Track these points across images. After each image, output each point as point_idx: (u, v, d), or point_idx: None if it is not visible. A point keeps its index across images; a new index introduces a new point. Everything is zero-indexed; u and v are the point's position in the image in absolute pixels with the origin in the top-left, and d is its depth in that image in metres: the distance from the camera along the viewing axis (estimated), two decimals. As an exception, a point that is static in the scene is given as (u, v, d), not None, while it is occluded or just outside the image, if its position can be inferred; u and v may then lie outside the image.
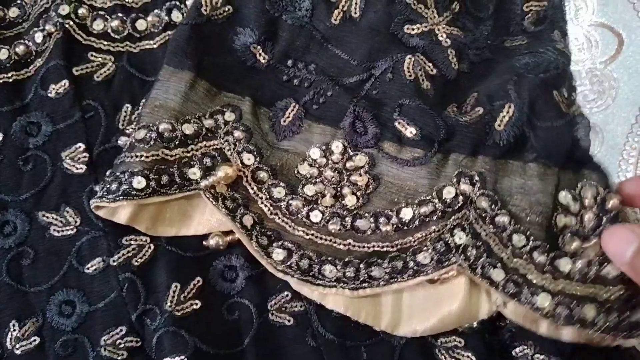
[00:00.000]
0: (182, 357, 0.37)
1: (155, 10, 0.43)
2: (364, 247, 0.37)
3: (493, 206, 0.36)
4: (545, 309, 0.34)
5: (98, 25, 0.43)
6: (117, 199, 0.36)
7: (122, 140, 0.40)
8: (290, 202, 0.37)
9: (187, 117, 0.38)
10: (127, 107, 0.41)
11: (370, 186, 0.38)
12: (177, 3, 0.43)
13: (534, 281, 0.35)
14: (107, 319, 0.38)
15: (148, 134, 0.37)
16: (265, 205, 0.38)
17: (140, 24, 0.43)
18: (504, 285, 0.34)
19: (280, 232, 0.37)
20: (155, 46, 0.43)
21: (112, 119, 0.41)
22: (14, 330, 0.38)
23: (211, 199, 0.36)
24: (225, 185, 0.37)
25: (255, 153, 0.38)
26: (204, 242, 0.38)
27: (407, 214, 0.37)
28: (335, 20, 0.40)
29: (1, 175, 0.40)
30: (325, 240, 0.37)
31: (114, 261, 0.38)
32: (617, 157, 0.43)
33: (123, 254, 0.38)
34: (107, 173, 0.38)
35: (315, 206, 0.38)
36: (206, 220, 0.38)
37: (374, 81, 0.39)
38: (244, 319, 0.38)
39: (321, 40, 0.40)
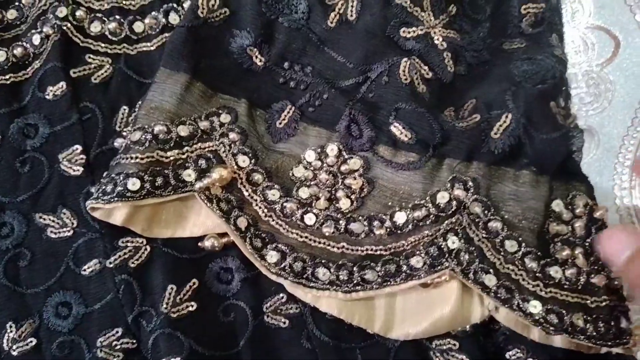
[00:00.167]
0: (178, 358, 0.37)
1: (153, 13, 0.43)
2: (357, 250, 0.37)
3: (486, 212, 0.36)
4: (536, 316, 0.34)
5: (95, 28, 0.43)
6: (112, 200, 0.36)
7: (118, 142, 0.40)
8: (284, 204, 0.38)
9: (182, 119, 0.38)
10: (125, 109, 0.41)
11: (365, 190, 0.38)
12: (175, 5, 0.43)
13: (526, 287, 0.35)
14: (103, 321, 0.38)
15: (143, 136, 0.37)
16: (260, 208, 0.38)
17: (138, 27, 0.43)
18: (495, 291, 0.35)
19: (274, 234, 0.37)
20: (152, 48, 0.43)
21: (110, 121, 0.41)
22: (11, 331, 0.38)
23: (206, 201, 0.36)
24: (220, 187, 0.37)
25: (250, 155, 0.38)
26: (200, 244, 0.39)
27: (400, 218, 0.37)
28: (332, 23, 0.40)
29: (-1, 177, 0.40)
30: (319, 243, 0.37)
31: (110, 263, 0.39)
32: (613, 160, 0.43)
33: (119, 256, 0.39)
34: (104, 175, 0.38)
35: (309, 209, 0.38)
36: (202, 222, 0.38)
37: (370, 84, 0.39)
38: (240, 321, 0.39)
39: (317, 43, 0.40)
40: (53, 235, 0.39)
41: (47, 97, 0.41)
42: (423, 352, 0.38)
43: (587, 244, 0.36)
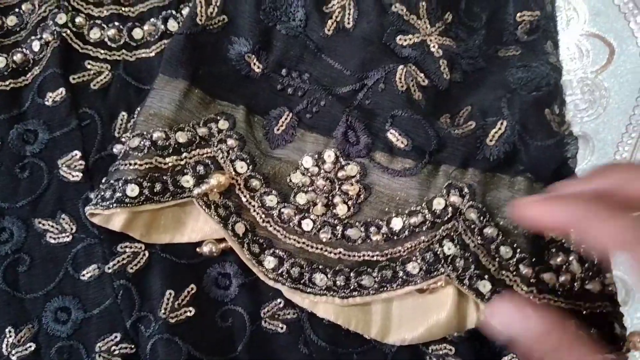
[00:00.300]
0: (176, 363, 0.37)
1: (152, 20, 0.43)
2: (354, 256, 0.37)
3: (482, 218, 0.36)
4: None
5: (95, 34, 0.43)
6: (111, 206, 0.36)
7: (117, 148, 0.40)
8: (282, 210, 0.38)
9: (180, 126, 0.38)
10: (123, 115, 0.42)
11: (362, 195, 0.38)
12: (173, 12, 0.43)
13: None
14: (102, 326, 0.38)
15: (142, 142, 0.37)
16: (257, 214, 0.38)
17: (137, 33, 0.43)
18: (489, 297, 0.35)
19: (272, 240, 0.38)
20: (151, 55, 0.43)
21: (109, 127, 0.42)
22: (10, 336, 0.38)
23: (204, 207, 0.37)
24: (218, 193, 0.37)
25: (248, 161, 0.38)
26: (198, 249, 0.39)
27: (397, 224, 0.37)
28: (329, 30, 0.40)
29: (-2, 182, 0.41)
30: (316, 248, 0.37)
31: (109, 268, 0.39)
32: (608, 166, 0.44)
33: (118, 261, 0.39)
34: (103, 181, 0.38)
35: (306, 215, 0.38)
36: (200, 227, 0.39)
37: (366, 91, 0.40)
38: (237, 326, 0.39)
39: (315, 50, 0.41)
40: (52, 241, 0.40)
41: (46, 103, 0.41)
42: (419, 358, 0.38)
43: (581, 249, 0.36)
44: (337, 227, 0.38)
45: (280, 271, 0.37)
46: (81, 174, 0.40)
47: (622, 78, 0.44)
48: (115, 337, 0.38)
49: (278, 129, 0.40)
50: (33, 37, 0.43)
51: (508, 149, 0.38)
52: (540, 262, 0.36)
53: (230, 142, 0.39)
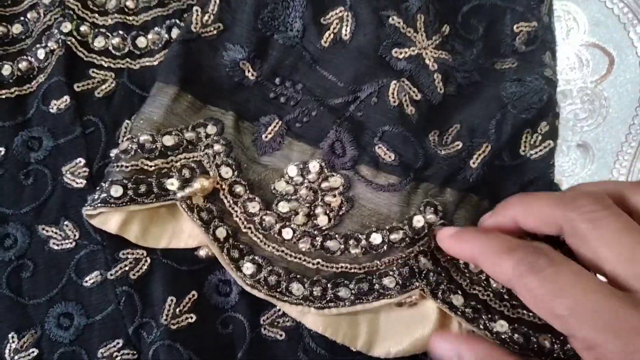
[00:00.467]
0: (177, 369, 0.37)
1: (156, 28, 0.44)
2: (332, 267, 0.37)
3: None
4: (502, 335, 0.35)
5: (99, 43, 0.43)
6: (97, 206, 0.37)
7: (113, 153, 0.41)
8: (264, 217, 0.38)
9: (168, 129, 0.39)
10: (127, 123, 0.42)
11: (343, 208, 0.38)
12: (177, 21, 0.44)
13: (493, 307, 0.36)
14: (104, 332, 0.39)
15: (130, 145, 0.38)
16: (240, 219, 0.38)
17: (141, 42, 0.44)
18: (463, 311, 0.35)
19: (252, 246, 0.38)
20: (155, 63, 0.43)
21: (112, 135, 0.42)
22: (13, 342, 0.39)
23: (186, 210, 0.37)
24: (202, 197, 0.38)
25: (233, 167, 0.39)
26: (195, 253, 0.39)
27: (376, 238, 0.37)
28: (325, 42, 0.40)
29: (3, 189, 0.41)
30: (295, 257, 0.38)
31: (111, 275, 0.39)
32: (608, 175, 0.44)
33: (120, 268, 0.39)
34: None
35: (287, 223, 0.38)
36: (196, 233, 0.39)
37: (358, 104, 0.40)
38: (238, 333, 0.39)
39: (310, 62, 0.41)
40: (55, 247, 0.40)
41: (51, 110, 0.42)
42: (418, 366, 0.38)
43: None
44: (317, 238, 0.38)
45: (257, 278, 0.37)
46: (85, 181, 0.41)
47: (621, 88, 0.44)
48: (118, 343, 0.39)
49: (266, 136, 0.40)
50: (38, 45, 0.43)
51: (486, 172, 0.39)
52: None
53: (217, 147, 0.39)
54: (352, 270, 0.37)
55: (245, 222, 0.38)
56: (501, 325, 0.35)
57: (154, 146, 0.38)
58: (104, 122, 0.42)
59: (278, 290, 0.37)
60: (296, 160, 0.40)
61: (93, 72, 0.43)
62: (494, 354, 0.32)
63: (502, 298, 0.36)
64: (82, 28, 0.43)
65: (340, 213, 0.38)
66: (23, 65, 0.43)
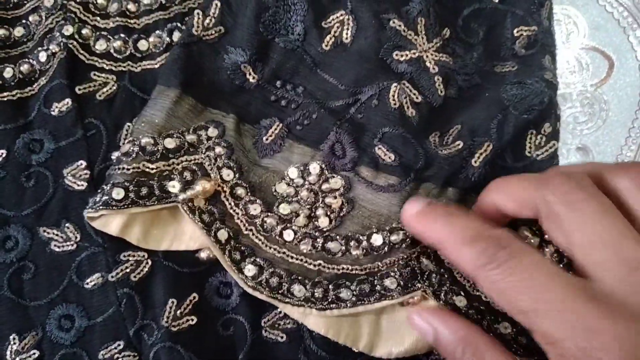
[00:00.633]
0: (178, 372, 0.37)
1: (157, 32, 0.44)
2: (333, 268, 0.38)
3: None
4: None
5: (101, 45, 0.44)
6: (99, 208, 0.37)
7: (114, 155, 0.41)
8: (265, 219, 0.38)
9: (169, 132, 0.39)
10: (129, 126, 0.42)
11: (344, 209, 0.38)
12: (179, 25, 0.44)
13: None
14: (105, 334, 0.39)
15: (131, 148, 0.38)
16: (241, 221, 0.38)
17: (142, 45, 0.44)
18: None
19: (254, 248, 0.38)
20: (156, 66, 0.44)
21: (114, 137, 0.42)
22: (14, 343, 0.39)
23: (188, 212, 0.37)
24: (203, 200, 0.38)
25: (235, 169, 0.39)
26: (196, 255, 0.39)
27: (377, 240, 0.37)
28: (327, 46, 0.41)
29: (4, 191, 0.41)
30: (296, 259, 0.38)
31: (112, 277, 0.39)
32: (607, 178, 0.44)
33: (121, 270, 0.39)
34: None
35: (288, 225, 0.38)
36: (198, 235, 0.39)
37: (359, 106, 0.40)
38: (239, 335, 0.39)
39: (311, 65, 0.41)
40: (57, 249, 0.40)
41: (52, 113, 0.42)
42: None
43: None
44: (318, 240, 0.38)
45: (259, 280, 0.37)
46: (86, 184, 0.41)
47: (621, 91, 0.45)
48: (119, 345, 0.39)
49: (267, 139, 0.40)
50: (40, 48, 0.43)
51: (488, 171, 0.39)
52: None
53: (218, 149, 0.39)
54: (354, 272, 0.37)
55: (246, 224, 0.38)
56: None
57: (155, 149, 0.38)
58: (105, 125, 0.42)
59: (280, 292, 0.37)
60: (297, 162, 0.40)
61: (94, 74, 0.43)
62: (469, 331, 0.32)
63: None
64: (84, 31, 0.43)
65: (341, 214, 0.38)
66: (25, 67, 0.43)
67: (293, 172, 0.39)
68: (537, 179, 0.31)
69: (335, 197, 0.39)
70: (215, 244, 0.37)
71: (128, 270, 0.39)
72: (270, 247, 0.38)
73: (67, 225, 0.40)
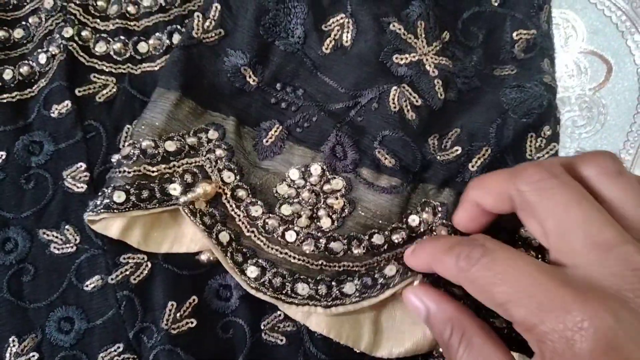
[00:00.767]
0: (178, 374, 0.37)
1: (157, 34, 0.44)
2: (335, 266, 0.38)
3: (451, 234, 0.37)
4: (502, 331, 0.35)
5: (101, 48, 0.44)
6: (100, 211, 0.37)
7: (114, 158, 0.41)
8: (266, 220, 0.38)
9: (170, 135, 0.39)
10: (128, 128, 0.42)
11: (346, 210, 0.39)
12: (178, 27, 0.44)
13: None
14: (104, 336, 0.39)
15: (132, 151, 0.38)
16: (243, 223, 0.38)
17: (142, 47, 0.44)
18: (464, 302, 0.35)
19: (255, 249, 0.38)
20: (156, 68, 0.44)
21: (113, 139, 0.42)
22: (14, 345, 0.39)
23: (189, 215, 0.37)
24: (205, 202, 0.38)
25: (235, 171, 0.39)
26: (196, 257, 0.39)
27: (378, 239, 0.38)
28: (327, 49, 0.41)
29: (4, 193, 0.41)
30: (299, 260, 0.38)
31: (112, 279, 0.39)
32: (606, 181, 0.44)
33: (121, 272, 0.39)
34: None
35: (290, 226, 0.38)
36: (199, 237, 0.39)
37: (359, 109, 0.40)
38: (238, 337, 0.39)
39: (311, 68, 0.41)
40: (56, 251, 0.40)
41: (52, 115, 0.42)
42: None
43: None
44: (321, 240, 0.38)
45: (262, 280, 0.37)
46: (86, 186, 0.41)
47: (619, 95, 0.45)
48: (118, 347, 0.39)
49: (267, 141, 0.40)
50: (40, 50, 0.43)
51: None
52: None
53: (218, 152, 0.39)
54: (355, 268, 0.38)
55: (248, 226, 0.38)
56: (500, 322, 0.35)
57: (156, 151, 0.38)
58: (105, 127, 0.42)
59: (283, 292, 0.37)
60: (297, 164, 0.40)
61: (94, 77, 0.43)
62: (459, 313, 0.32)
63: None
64: (84, 33, 0.43)
65: (343, 215, 0.39)
66: (24, 69, 0.43)
67: (294, 174, 0.40)
68: (510, 170, 0.31)
69: (337, 198, 0.39)
70: (217, 246, 0.37)
71: (128, 272, 0.39)
72: (272, 248, 0.38)
73: (66, 227, 0.40)
